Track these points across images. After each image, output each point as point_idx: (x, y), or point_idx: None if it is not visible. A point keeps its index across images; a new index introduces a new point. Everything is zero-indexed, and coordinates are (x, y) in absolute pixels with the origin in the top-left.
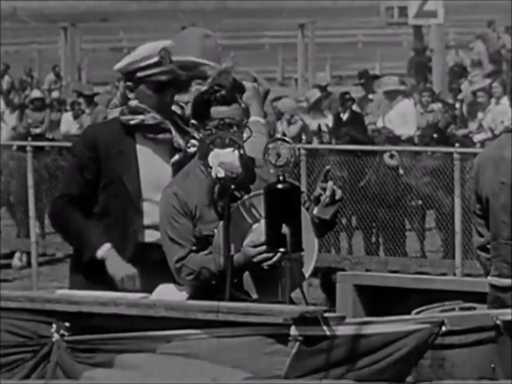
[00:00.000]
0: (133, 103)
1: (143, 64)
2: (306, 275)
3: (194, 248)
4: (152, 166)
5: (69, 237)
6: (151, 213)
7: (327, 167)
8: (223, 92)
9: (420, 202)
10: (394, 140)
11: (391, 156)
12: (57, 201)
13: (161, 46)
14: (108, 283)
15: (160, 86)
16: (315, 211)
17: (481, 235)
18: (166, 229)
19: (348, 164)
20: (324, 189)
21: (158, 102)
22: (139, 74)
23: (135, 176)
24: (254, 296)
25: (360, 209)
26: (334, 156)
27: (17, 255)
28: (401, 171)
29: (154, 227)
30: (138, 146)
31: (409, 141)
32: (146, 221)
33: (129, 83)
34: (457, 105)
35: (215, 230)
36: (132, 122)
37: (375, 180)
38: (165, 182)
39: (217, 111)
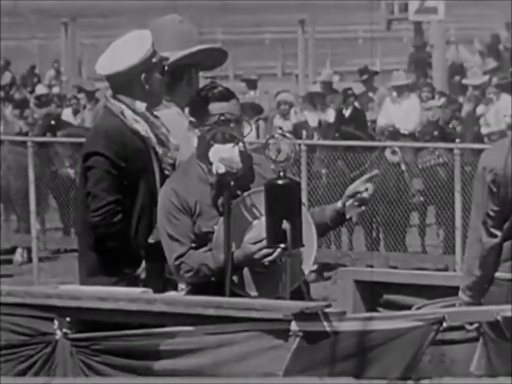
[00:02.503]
0: (140, 107)
1: (153, 49)
2: (306, 271)
3: (193, 245)
4: (156, 161)
5: (113, 247)
6: None
7: (376, 171)
8: (221, 88)
9: (421, 198)
10: (396, 135)
11: (393, 152)
12: (101, 212)
13: (149, 34)
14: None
15: (176, 72)
16: (347, 204)
17: (494, 236)
18: (165, 226)
19: (348, 159)
20: (365, 189)
21: (172, 89)
22: (154, 60)
23: (153, 173)
24: (254, 293)
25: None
26: (336, 151)
27: (19, 250)
28: (403, 167)
29: None
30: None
31: (411, 136)
32: None
33: (144, 74)
34: (461, 99)
35: (215, 227)
36: (132, 126)
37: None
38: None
39: (216, 107)
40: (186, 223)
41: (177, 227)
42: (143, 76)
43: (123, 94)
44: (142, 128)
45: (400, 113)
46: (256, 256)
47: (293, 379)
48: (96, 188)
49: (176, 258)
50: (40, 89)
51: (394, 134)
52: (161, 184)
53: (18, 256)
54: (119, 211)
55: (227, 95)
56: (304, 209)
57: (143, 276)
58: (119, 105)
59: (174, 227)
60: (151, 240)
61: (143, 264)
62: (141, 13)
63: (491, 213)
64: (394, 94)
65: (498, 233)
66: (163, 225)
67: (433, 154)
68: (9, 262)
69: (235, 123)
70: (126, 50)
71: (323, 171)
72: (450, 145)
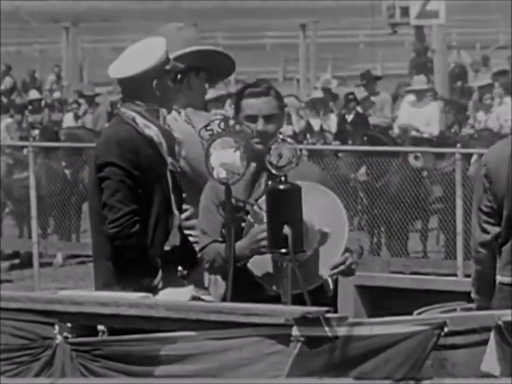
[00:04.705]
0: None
1: (166, 56)
2: (325, 274)
3: (220, 239)
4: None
5: (130, 258)
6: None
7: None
8: (254, 85)
9: (440, 205)
10: (418, 140)
11: (416, 158)
12: (120, 223)
13: (163, 41)
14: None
15: (180, 76)
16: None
17: (485, 232)
18: (201, 221)
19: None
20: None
21: (179, 94)
22: (167, 67)
23: (166, 181)
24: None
25: (369, 209)
26: (350, 156)
27: (59, 254)
28: (425, 173)
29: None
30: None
31: (431, 141)
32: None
33: (156, 81)
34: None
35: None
36: (144, 132)
37: (392, 181)
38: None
39: (246, 103)
40: (219, 220)
41: (211, 222)
42: (154, 82)
43: (135, 99)
44: (154, 133)
45: (421, 117)
46: (260, 237)
47: (292, 380)
48: (112, 198)
49: (200, 250)
50: (33, 95)
51: (417, 139)
52: (174, 190)
53: (59, 257)
54: (136, 221)
55: (258, 92)
56: (336, 199)
57: (160, 286)
58: (130, 113)
59: (208, 222)
60: (167, 247)
61: (160, 273)
62: (142, 18)
63: (484, 208)
64: (413, 97)
65: (491, 229)
66: (200, 219)
67: (449, 160)
68: (10, 267)
69: (238, 127)
70: (140, 55)
71: (351, 176)
72: (451, 150)
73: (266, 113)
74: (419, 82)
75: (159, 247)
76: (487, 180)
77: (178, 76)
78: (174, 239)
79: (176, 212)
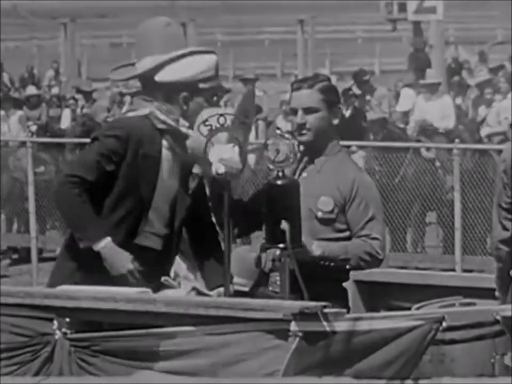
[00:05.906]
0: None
1: (207, 75)
2: None
3: None
4: (169, 176)
5: (70, 219)
6: (152, 222)
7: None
8: (305, 78)
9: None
10: (433, 134)
11: (428, 149)
12: (67, 179)
13: (214, 60)
14: (102, 273)
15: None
16: None
17: (505, 228)
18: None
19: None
20: None
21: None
22: (202, 85)
23: (152, 184)
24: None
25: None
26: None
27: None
28: (438, 163)
29: (155, 234)
30: (163, 153)
31: (447, 134)
32: (148, 228)
33: (185, 93)
34: (459, 101)
35: None
36: (162, 126)
37: (407, 174)
38: (174, 194)
39: (292, 96)
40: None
41: None
42: (182, 95)
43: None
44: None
45: (436, 111)
46: None
47: (292, 379)
48: (76, 159)
49: None
50: (31, 90)
51: (431, 133)
52: (186, 188)
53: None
54: (80, 186)
55: (300, 85)
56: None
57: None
58: (152, 109)
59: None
60: (138, 241)
61: (107, 240)
62: (140, 14)
63: (504, 205)
64: (410, 91)
65: (511, 225)
66: None
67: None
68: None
69: (235, 124)
70: (178, 66)
71: (376, 168)
72: (450, 145)
73: (305, 106)
74: (430, 76)
75: (121, 238)
76: (506, 176)
77: (214, 96)
78: (142, 240)
79: (153, 219)
